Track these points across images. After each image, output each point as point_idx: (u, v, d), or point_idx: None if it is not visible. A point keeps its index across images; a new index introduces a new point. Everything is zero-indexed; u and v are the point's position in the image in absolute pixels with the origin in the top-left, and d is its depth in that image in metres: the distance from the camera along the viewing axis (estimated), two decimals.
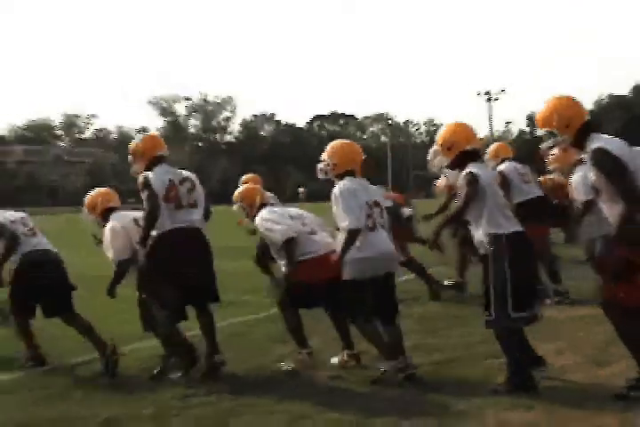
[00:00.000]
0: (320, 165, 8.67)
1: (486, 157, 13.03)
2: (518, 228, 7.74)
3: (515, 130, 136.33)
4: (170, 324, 8.85)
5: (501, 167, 12.76)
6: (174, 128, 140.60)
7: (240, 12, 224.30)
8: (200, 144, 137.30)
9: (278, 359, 9.24)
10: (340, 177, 8.70)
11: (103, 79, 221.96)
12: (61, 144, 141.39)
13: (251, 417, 7.22)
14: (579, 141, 7.04)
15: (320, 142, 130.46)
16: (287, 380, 8.42)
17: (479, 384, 7.70)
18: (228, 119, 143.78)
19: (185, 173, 9.37)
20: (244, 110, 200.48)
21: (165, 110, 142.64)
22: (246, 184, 12.39)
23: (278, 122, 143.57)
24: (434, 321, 11.05)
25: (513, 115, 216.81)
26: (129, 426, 7.21)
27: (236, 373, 8.91)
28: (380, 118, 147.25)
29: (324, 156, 8.89)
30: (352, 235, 8.22)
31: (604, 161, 6.79)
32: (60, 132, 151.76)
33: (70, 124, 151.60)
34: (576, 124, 7.07)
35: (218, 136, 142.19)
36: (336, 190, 8.48)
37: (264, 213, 9.39)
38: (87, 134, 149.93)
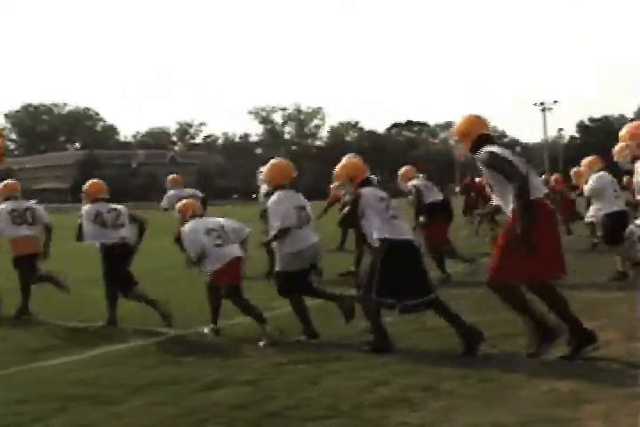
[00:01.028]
0: (260, 177, 9.40)
1: None
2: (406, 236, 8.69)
3: (566, 136, 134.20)
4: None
5: None
6: (272, 134, 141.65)
7: (327, 32, 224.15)
8: (294, 148, 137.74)
9: (360, 332, 9.21)
10: (275, 189, 9.61)
11: (211, 92, 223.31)
12: (176, 148, 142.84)
13: (335, 382, 7.23)
14: (474, 149, 7.86)
15: (398, 147, 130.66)
16: (368, 350, 8.40)
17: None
18: (318, 126, 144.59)
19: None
20: (332, 118, 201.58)
21: (264, 119, 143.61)
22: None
23: (361, 129, 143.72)
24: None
25: (564, 123, 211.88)
26: (231, 387, 7.23)
27: (322, 343, 8.93)
28: (449, 126, 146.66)
29: (264, 172, 10.10)
30: (282, 232, 9.19)
31: (495, 159, 7.61)
32: (174, 138, 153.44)
33: (183, 131, 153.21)
34: (473, 136, 7.91)
35: (309, 141, 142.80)
36: (271, 199, 9.47)
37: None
38: (197, 140, 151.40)
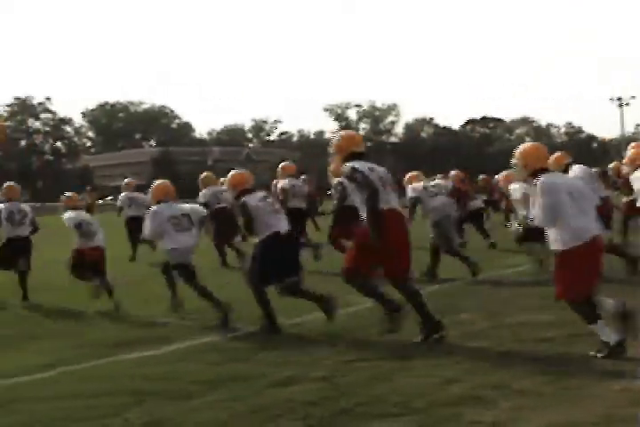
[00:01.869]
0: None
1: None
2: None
3: None
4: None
5: None
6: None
7: (402, 28, 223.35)
8: (369, 144, 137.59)
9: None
10: (157, 202, 11.32)
11: (286, 89, 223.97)
12: (251, 145, 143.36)
13: (407, 379, 7.24)
14: (345, 162, 8.96)
15: (473, 143, 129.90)
16: (441, 348, 8.41)
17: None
18: (392, 123, 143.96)
19: None
20: (407, 115, 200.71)
21: (339, 116, 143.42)
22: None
23: (436, 125, 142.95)
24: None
25: None
26: (304, 383, 7.30)
27: (396, 340, 8.95)
28: (525, 121, 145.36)
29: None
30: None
31: (353, 173, 8.75)
32: (250, 135, 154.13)
33: (259, 128, 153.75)
34: (346, 152, 9.10)
35: (384, 138, 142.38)
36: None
37: None
38: (273, 137, 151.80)
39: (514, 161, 8.24)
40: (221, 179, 17.63)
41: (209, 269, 14.97)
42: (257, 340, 9.49)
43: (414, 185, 14.71)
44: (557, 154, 13.89)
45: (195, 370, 7.99)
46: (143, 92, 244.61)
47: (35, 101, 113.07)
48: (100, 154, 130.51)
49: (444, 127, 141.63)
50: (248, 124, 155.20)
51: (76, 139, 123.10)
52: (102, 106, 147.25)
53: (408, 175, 15.37)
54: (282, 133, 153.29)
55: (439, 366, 7.66)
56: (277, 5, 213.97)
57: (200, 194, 18.06)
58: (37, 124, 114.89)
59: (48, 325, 10.99)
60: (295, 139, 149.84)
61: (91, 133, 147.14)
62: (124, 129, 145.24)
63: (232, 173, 10.56)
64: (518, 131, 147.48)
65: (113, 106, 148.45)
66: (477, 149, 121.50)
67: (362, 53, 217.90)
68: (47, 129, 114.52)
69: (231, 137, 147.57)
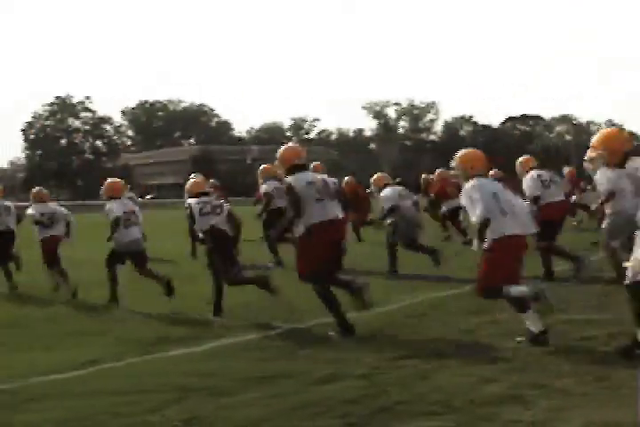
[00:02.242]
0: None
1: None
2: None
3: None
4: None
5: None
6: (386, 129, 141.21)
7: (441, 26, 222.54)
8: (408, 143, 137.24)
9: (471, 328, 9.24)
10: (109, 198, 12.96)
11: (326, 87, 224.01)
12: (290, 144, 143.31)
13: (446, 378, 7.26)
14: (288, 174, 9.81)
15: (512, 141, 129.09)
16: (477, 347, 8.42)
17: None
18: (432, 121, 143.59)
19: None
20: (446, 113, 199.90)
21: (378, 114, 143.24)
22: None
23: (475, 123, 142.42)
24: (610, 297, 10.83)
25: None
26: (344, 381, 7.32)
27: (436, 339, 8.97)
28: (565, 119, 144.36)
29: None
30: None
31: (287, 188, 9.66)
32: (289, 134, 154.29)
33: (297, 126, 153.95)
34: (288, 164, 9.91)
35: (423, 136, 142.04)
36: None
37: None
38: (311, 135, 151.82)
39: (453, 164, 9.05)
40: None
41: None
42: (298, 338, 9.53)
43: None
44: (524, 157, 14.46)
45: (236, 367, 8.04)
46: (182, 91, 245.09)
47: (75, 100, 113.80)
48: (140, 152, 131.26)
49: (484, 125, 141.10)
50: (287, 123, 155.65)
51: (115, 137, 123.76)
52: (142, 104, 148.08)
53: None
54: (321, 132, 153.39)
55: (478, 364, 7.67)
56: (318, 2, 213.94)
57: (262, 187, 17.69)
58: (77, 124, 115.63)
59: (91, 322, 11.07)
60: (334, 137, 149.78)
61: (130, 132, 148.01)
62: (164, 127, 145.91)
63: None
64: (558, 128, 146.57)
65: (152, 104, 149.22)
66: (517, 147, 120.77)
67: (402, 51, 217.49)
68: (87, 128, 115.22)
69: (270, 135, 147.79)
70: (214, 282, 11.23)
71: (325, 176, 10.24)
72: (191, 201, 11.65)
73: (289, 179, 9.71)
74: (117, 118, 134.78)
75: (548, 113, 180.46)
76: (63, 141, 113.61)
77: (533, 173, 13.83)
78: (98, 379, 7.86)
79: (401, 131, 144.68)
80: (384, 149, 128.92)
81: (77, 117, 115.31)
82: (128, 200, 13.82)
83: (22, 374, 8.09)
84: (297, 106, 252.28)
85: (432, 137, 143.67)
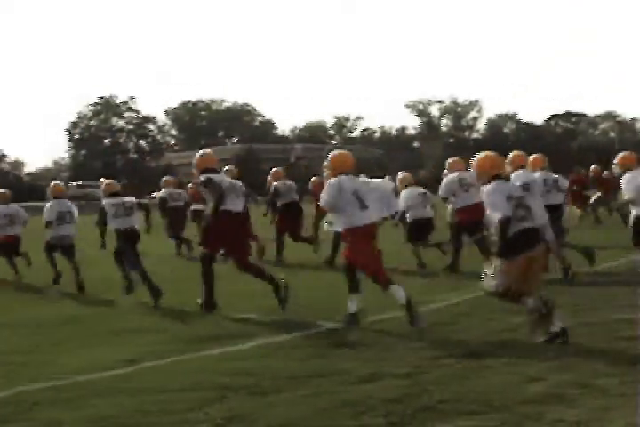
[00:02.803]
0: None
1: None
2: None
3: None
4: None
5: None
6: (429, 127, 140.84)
7: (482, 24, 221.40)
8: (451, 141, 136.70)
9: (514, 327, 9.20)
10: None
11: (368, 86, 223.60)
12: (333, 142, 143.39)
13: (489, 377, 7.24)
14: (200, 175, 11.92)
15: (556, 139, 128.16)
16: (520, 346, 8.38)
17: None
18: (475, 119, 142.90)
19: None
20: (490, 111, 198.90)
21: (421, 112, 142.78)
22: None
23: (519, 120, 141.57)
24: None
25: None
26: (386, 380, 7.32)
27: (479, 337, 8.94)
28: (609, 116, 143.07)
29: None
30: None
31: (207, 182, 11.68)
32: (332, 132, 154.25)
33: (341, 125, 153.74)
34: (202, 168, 12.06)
35: (466, 134, 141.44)
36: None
37: None
38: (355, 134, 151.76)
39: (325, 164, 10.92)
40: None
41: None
42: (339, 336, 9.52)
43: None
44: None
45: (278, 366, 8.08)
46: (225, 90, 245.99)
47: (119, 100, 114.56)
48: (183, 152, 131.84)
49: (527, 123, 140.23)
50: (330, 122, 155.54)
51: (159, 137, 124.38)
52: (185, 104, 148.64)
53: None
54: (364, 130, 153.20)
55: (522, 363, 7.64)
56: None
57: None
58: (121, 123, 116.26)
59: (134, 320, 11.16)
60: (377, 135, 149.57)
61: (174, 131, 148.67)
62: (207, 127, 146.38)
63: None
64: (602, 125, 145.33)
65: (195, 104, 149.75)
66: (561, 144, 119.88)
67: (444, 49, 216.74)
68: (131, 128, 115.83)
69: (313, 134, 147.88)
70: (125, 276, 13.39)
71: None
72: (105, 202, 13.52)
73: (211, 176, 11.87)
74: (161, 118, 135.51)
75: (592, 110, 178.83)
76: (107, 141, 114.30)
77: (453, 175, 15.08)
78: (141, 377, 7.95)
79: (444, 129, 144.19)
80: (427, 147, 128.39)
81: (121, 117, 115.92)
82: (66, 200, 15.92)
83: (71, 371, 8.21)
84: (340, 104, 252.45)
85: (475, 135, 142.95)
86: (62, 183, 16.85)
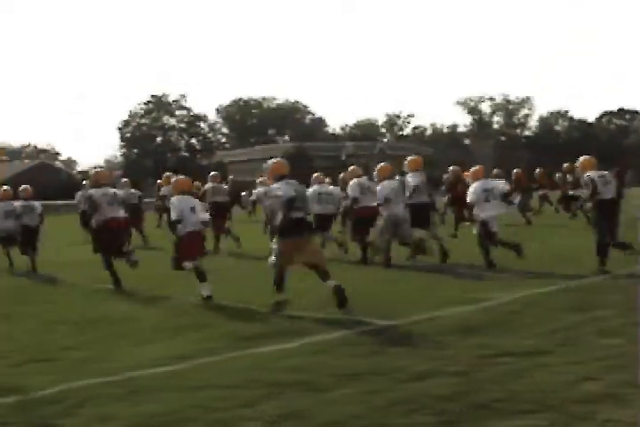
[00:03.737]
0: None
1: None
2: None
3: None
4: None
5: None
6: (480, 125, 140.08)
7: (529, 22, 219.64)
8: (503, 138, 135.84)
9: (569, 326, 9.15)
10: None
11: (419, 83, 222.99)
12: (384, 140, 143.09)
13: (543, 376, 7.20)
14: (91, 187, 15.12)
15: (609, 136, 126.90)
16: (575, 345, 8.34)
17: None
18: (526, 116, 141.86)
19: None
20: (542, 108, 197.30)
21: (472, 109, 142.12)
22: None
23: (571, 118, 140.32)
24: None
25: None
26: (439, 378, 7.32)
27: (530, 336, 8.90)
28: None
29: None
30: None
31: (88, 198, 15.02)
32: (383, 130, 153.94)
33: (392, 123, 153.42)
34: (95, 181, 15.31)
35: (518, 131, 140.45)
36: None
37: None
38: (406, 131, 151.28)
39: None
40: None
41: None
42: (392, 334, 9.53)
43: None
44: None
45: (331, 363, 8.10)
46: (276, 88, 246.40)
47: (170, 99, 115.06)
48: (234, 150, 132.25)
49: (579, 120, 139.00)
50: (381, 119, 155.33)
51: (210, 135, 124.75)
52: (236, 102, 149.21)
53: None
54: (415, 128, 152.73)
55: (575, 362, 7.59)
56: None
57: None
58: (173, 121, 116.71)
59: (187, 317, 11.24)
60: (428, 133, 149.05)
61: (225, 130, 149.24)
62: (258, 125, 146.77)
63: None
64: None
65: (246, 102, 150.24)
66: (613, 142, 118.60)
67: (496, 46, 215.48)
68: (182, 126, 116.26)
69: (364, 132, 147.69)
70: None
71: (115, 190, 15.59)
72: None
73: (91, 191, 15.13)
74: (212, 116, 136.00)
75: None
76: (159, 139, 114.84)
77: (356, 180, 17.76)
78: (194, 373, 8.01)
79: (495, 126, 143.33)
80: (478, 144, 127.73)
81: (173, 115, 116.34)
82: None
83: (125, 367, 8.33)
84: (391, 102, 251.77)
85: (527, 132, 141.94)
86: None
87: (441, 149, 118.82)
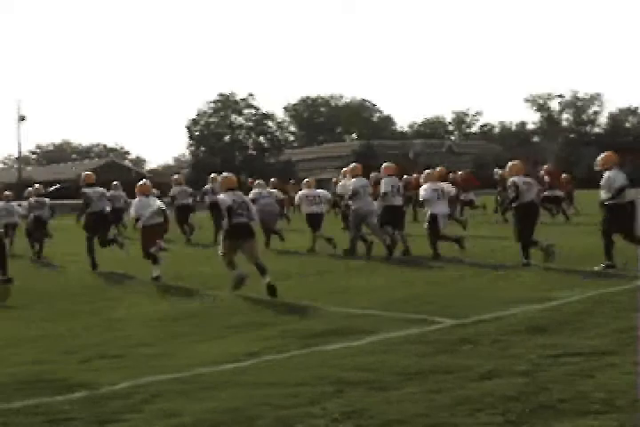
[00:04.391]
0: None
1: None
2: None
3: None
4: None
5: None
6: (549, 122, 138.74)
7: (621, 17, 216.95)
8: (572, 136, 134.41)
9: (636, 325, 9.00)
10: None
11: (487, 80, 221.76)
12: (452, 138, 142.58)
13: (612, 376, 7.10)
14: (83, 188, 18.07)
15: None
16: None
17: None
18: (596, 113, 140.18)
19: None
20: (612, 105, 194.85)
21: (541, 106, 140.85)
22: None
23: None
24: None
25: None
26: (505, 377, 7.24)
27: (599, 336, 8.78)
28: None
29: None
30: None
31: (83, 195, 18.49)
32: (451, 128, 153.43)
33: (460, 120, 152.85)
34: (84, 182, 17.92)
35: (587, 128, 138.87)
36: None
37: None
38: (474, 129, 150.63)
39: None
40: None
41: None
42: (458, 333, 9.45)
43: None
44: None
45: (395, 362, 8.06)
46: (344, 86, 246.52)
47: (238, 97, 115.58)
48: (302, 148, 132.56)
49: None
50: (449, 117, 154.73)
51: (278, 133, 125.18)
52: (304, 100, 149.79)
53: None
54: (483, 125, 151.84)
55: None
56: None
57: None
58: (240, 120, 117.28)
59: (252, 315, 11.29)
60: (497, 131, 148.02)
61: (293, 128, 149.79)
62: (326, 123, 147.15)
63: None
64: None
65: (314, 100, 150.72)
66: None
67: (564, 42, 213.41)
68: (250, 124, 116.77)
69: (432, 130, 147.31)
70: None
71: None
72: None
73: (85, 189, 18.32)
74: (280, 114, 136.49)
75: None
76: (227, 138, 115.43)
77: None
78: (260, 370, 8.04)
79: (564, 123, 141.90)
80: (547, 142, 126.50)
81: (240, 114, 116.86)
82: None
83: (191, 363, 8.38)
84: (459, 99, 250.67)
85: (596, 129, 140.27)
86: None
87: (509, 147, 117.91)
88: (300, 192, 22.33)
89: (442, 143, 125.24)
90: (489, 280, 13.29)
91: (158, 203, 16.91)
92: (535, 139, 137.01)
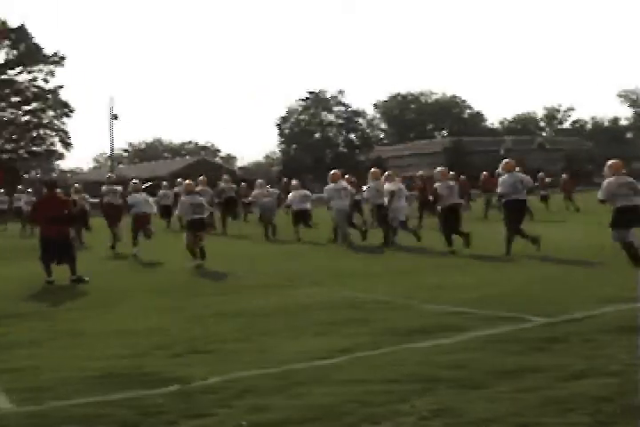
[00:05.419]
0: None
1: None
2: None
3: None
4: None
5: None
6: None
7: None
8: None
9: None
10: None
11: (580, 75, 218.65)
12: (544, 134, 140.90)
13: None
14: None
15: None
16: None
17: None
18: None
19: None
20: None
21: (634, 102, 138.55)
22: None
23: None
24: None
25: None
26: (596, 378, 7.15)
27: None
28: None
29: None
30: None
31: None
32: (542, 124, 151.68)
33: (551, 116, 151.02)
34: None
35: None
36: None
37: None
38: (565, 125, 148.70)
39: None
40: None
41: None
42: (551, 331, 9.36)
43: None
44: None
45: (486, 360, 8.04)
46: (434, 82, 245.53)
47: (328, 95, 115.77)
48: (392, 145, 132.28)
49: None
50: (540, 113, 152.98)
51: (368, 130, 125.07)
52: (394, 97, 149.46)
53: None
54: (575, 121, 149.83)
55: None
56: None
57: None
58: (331, 117, 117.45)
59: (346, 311, 11.33)
60: (589, 126, 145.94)
61: (383, 125, 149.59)
62: (416, 120, 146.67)
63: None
64: None
65: (404, 97, 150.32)
66: None
67: None
68: (340, 121, 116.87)
69: (523, 126, 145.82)
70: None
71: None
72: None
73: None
74: (370, 111, 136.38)
75: None
76: (317, 135, 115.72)
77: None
78: (351, 367, 8.08)
79: None
80: None
81: (331, 111, 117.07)
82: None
83: (282, 359, 8.47)
84: (551, 95, 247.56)
85: None
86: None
87: (601, 143, 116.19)
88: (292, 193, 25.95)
89: (533, 139, 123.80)
90: (581, 279, 13.16)
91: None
92: (628, 135, 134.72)
